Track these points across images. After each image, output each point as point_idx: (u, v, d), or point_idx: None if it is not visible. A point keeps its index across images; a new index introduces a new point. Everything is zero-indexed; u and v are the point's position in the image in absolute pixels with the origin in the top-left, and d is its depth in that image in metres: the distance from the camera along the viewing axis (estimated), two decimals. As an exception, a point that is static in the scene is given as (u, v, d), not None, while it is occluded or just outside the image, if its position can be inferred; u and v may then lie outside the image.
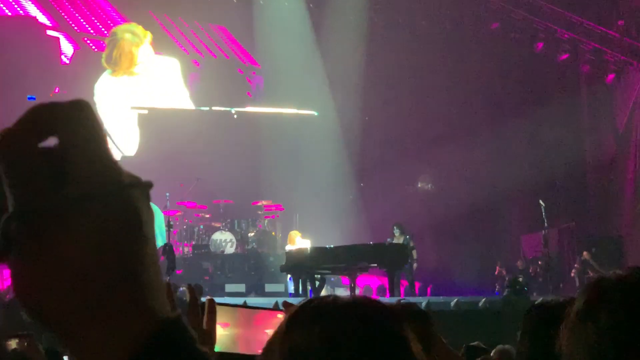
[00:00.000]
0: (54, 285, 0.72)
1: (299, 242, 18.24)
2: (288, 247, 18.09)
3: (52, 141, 0.74)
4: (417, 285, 21.64)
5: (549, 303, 2.82)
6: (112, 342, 0.73)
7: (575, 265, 19.70)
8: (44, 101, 0.76)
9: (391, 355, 1.40)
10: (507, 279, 17.67)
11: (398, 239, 18.30)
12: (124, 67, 22.01)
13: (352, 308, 1.44)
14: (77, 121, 0.75)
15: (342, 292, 18.92)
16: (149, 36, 21.90)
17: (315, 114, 23.69)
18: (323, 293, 17.35)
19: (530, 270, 19.25)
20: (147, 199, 0.78)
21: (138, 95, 22.39)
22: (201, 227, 20.44)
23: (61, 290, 0.72)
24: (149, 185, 0.78)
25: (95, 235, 0.72)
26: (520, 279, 16.94)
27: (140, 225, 0.75)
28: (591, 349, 1.65)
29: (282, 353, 1.40)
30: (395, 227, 18.64)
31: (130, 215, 0.75)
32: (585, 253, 19.58)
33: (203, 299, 2.29)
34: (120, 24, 22.98)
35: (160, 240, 18.74)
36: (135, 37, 21.94)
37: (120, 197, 0.75)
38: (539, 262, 19.78)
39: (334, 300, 1.47)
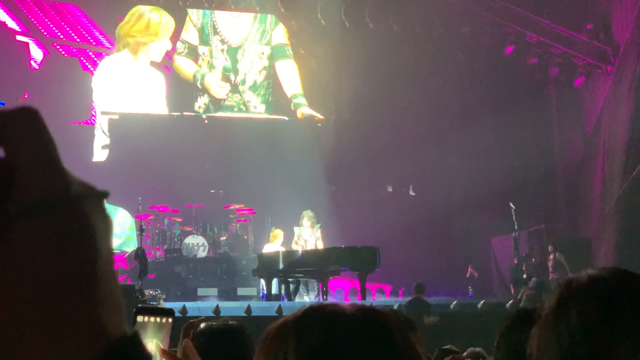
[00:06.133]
0: None
1: (279, 241, 18.07)
2: (267, 246, 18.04)
3: None
4: (389, 288, 21.74)
5: (526, 308, 2.85)
6: None
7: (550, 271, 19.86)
8: None
9: None
10: (532, 279, 17.81)
11: (306, 229, 17.85)
12: (139, 36, 22.67)
13: (362, 315, 1.46)
14: (25, 129, 0.71)
15: (313, 296, 18.99)
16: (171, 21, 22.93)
17: (285, 118, 23.74)
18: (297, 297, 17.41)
19: (524, 268, 19.35)
20: (101, 209, 0.74)
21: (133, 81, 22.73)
22: (174, 231, 20.43)
23: (4, 309, 0.68)
24: (103, 194, 0.74)
25: (39, 248, 0.69)
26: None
27: (91, 237, 0.71)
28: (563, 348, 1.65)
29: (298, 353, 1.41)
30: (306, 217, 17.99)
31: (79, 227, 0.71)
32: (558, 254, 19.76)
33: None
34: (89, 29, 22.95)
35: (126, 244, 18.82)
36: (161, 14, 22.90)
37: (69, 208, 0.70)
38: (532, 259, 19.94)
39: (343, 307, 1.49)
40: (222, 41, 23.61)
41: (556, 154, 23.95)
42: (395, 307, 14.19)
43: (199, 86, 23.35)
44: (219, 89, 23.43)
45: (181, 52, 23.47)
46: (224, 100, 23.50)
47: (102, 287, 0.71)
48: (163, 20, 22.85)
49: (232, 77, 23.56)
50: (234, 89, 23.61)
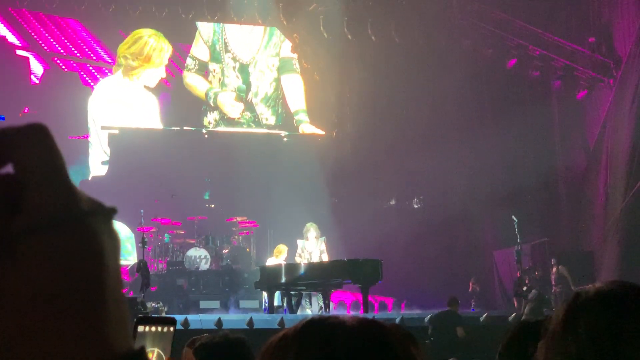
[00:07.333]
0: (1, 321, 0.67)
1: (283, 257, 17.93)
2: (270, 260, 17.98)
3: (8, 168, 0.70)
4: (391, 301, 21.69)
5: (528, 321, 2.85)
6: None
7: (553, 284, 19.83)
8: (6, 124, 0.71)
9: None
10: (532, 292, 17.75)
11: (311, 241, 17.68)
12: (131, 59, 22.83)
13: (363, 329, 1.45)
14: (34, 146, 0.70)
15: (315, 309, 18.96)
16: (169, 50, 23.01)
17: (286, 132, 23.80)
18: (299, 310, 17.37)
19: (527, 281, 19.30)
20: (109, 226, 0.73)
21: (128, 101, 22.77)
22: (172, 242, 20.45)
23: (11, 326, 0.67)
24: (111, 211, 0.73)
25: (46, 265, 0.68)
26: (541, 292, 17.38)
27: (99, 254, 0.70)
28: None
29: None
30: (312, 229, 17.74)
31: (87, 244, 0.70)
32: (560, 267, 19.77)
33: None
34: (90, 43, 22.98)
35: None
36: (159, 40, 22.96)
37: (77, 225, 0.70)
38: (536, 272, 19.89)
39: (344, 320, 1.47)
40: (234, 59, 23.68)
41: (559, 167, 23.94)
42: (398, 320, 14.17)
43: (212, 104, 23.42)
44: (233, 109, 23.51)
45: (191, 69, 23.54)
46: (237, 118, 23.59)
47: (109, 304, 0.70)
48: (159, 46, 22.88)
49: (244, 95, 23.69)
50: (247, 107, 23.68)
